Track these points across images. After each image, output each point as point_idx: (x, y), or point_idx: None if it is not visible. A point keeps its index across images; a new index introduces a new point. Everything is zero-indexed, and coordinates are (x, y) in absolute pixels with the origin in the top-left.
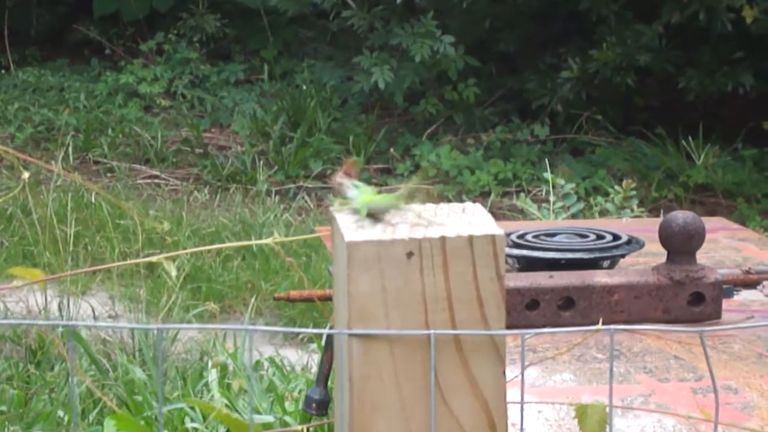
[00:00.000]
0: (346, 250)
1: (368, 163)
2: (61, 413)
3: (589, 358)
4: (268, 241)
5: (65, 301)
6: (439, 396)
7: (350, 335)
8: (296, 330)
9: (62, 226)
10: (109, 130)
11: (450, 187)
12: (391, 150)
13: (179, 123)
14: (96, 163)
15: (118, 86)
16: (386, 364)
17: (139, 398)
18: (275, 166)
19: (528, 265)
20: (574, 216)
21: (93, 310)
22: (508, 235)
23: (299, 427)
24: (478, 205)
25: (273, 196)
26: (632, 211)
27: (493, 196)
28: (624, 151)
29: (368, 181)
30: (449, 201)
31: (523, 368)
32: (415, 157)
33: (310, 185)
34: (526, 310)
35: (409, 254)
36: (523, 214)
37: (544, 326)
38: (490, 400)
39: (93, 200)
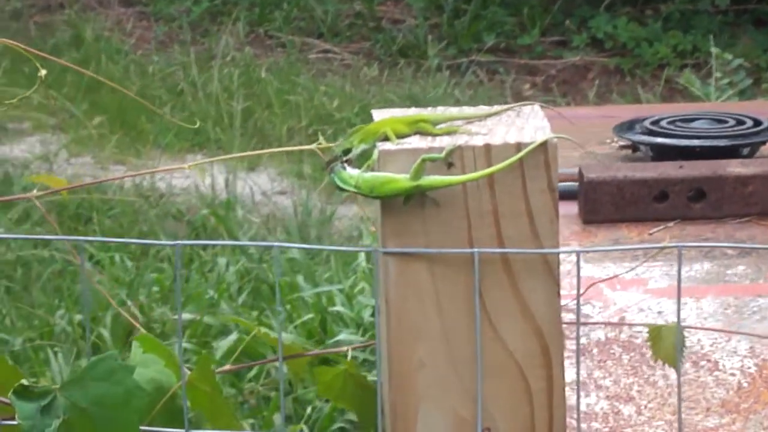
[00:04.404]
0: (381, 159)
1: (543, 36)
2: (211, 292)
3: (718, 253)
4: (312, 146)
5: (232, 177)
6: (486, 320)
7: (385, 253)
8: (322, 248)
9: (231, 102)
10: (284, 4)
11: (627, 60)
12: (567, 22)
13: None
14: (270, 37)
15: None
16: (426, 285)
17: (288, 279)
18: (447, 39)
19: (661, 153)
20: (741, 93)
21: (251, 190)
22: (642, 120)
23: (344, 348)
24: (536, 107)
25: (444, 70)
26: None
27: (670, 69)
28: None
29: (542, 54)
30: (623, 75)
31: (579, 293)
32: (591, 30)
33: (482, 59)
34: (654, 202)
35: (449, 165)
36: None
37: (674, 219)
38: (543, 324)
39: (263, 76)
